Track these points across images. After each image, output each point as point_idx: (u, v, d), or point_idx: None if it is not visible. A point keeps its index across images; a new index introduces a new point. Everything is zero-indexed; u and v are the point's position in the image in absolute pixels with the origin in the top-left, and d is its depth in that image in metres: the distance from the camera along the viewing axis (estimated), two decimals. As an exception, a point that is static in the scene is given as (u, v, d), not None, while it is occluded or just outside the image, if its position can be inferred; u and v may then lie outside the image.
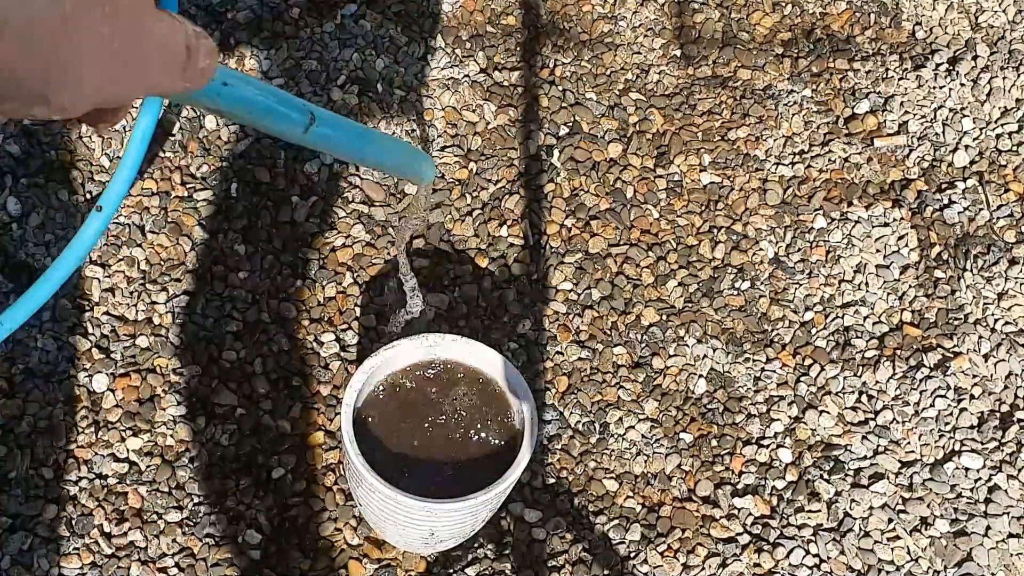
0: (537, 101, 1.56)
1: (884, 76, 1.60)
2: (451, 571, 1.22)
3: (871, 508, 1.29)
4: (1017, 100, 1.59)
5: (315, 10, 1.58)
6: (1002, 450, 1.33)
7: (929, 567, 1.26)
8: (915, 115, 1.57)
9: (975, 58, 1.62)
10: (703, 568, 1.24)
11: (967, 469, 1.32)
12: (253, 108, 0.54)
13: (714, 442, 1.32)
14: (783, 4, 1.67)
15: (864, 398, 1.36)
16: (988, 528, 1.28)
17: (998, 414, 1.36)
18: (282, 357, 1.33)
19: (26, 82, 0.31)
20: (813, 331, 1.40)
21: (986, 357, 1.39)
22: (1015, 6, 1.67)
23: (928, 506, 1.29)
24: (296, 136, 0.60)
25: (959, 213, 1.49)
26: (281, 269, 1.38)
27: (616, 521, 1.27)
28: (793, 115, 1.56)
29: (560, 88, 1.57)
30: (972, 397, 1.36)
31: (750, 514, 1.28)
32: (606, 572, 1.24)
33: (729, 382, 1.36)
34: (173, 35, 0.38)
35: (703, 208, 1.49)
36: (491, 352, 1.13)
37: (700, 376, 1.36)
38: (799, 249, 1.46)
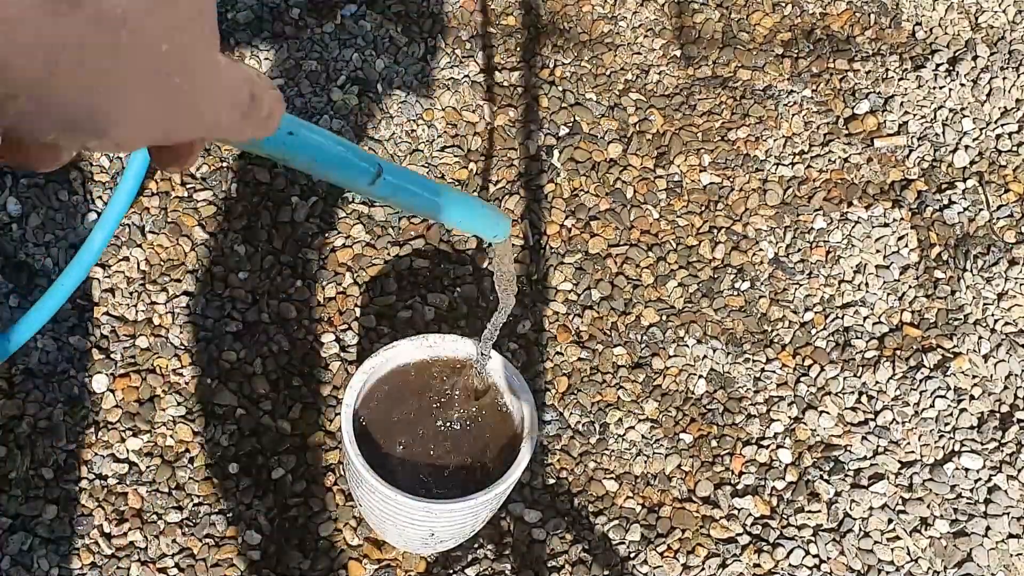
0: (537, 101, 1.56)
1: (884, 76, 1.60)
2: (451, 571, 1.22)
3: (871, 508, 1.29)
4: (1017, 100, 1.59)
5: (315, 10, 1.58)
6: (1002, 450, 1.33)
7: (929, 567, 1.26)
8: (915, 115, 1.57)
9: (975, 58, 1.62)
10: (703, 568, 1.25)
11: (967, 469, 1.32)
12: (320, 158, 0.53)
13: (714, 442, 1.32)
14: (783, 4, 1.67)
15: (864, 398, 1.36)
16: (988, 528, 1.28)
17: (998, 414, 1.36)
18: (282, 357, 1.33)
19: (80, 111, 0.30)
20: (813, 331, 1.40)
21: (986, 357, 1.39)
22: (1015, 6, 1.67)
23: (928, 506, 1.29)
24: (362, 187, 0.58)
25: (959, 213, 1.49)
26: (281, 269, 1.38)
27: (616, 521, 1.27)
28: (793, 115, 1.56)
29: (560, 88, 1.57)
30: (972, 397, 1.36)
31: (750, 514, 1.28)
32: (606, 572, 1.24)
33: (729, 382, 1.36)
34: (235, 77, 0.37)
35: (703, 208, 1.49)
36: (491, 352, 1.13)
37: (700, 376, 1.36)
38: (799, 249, 1.46)
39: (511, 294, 0.95)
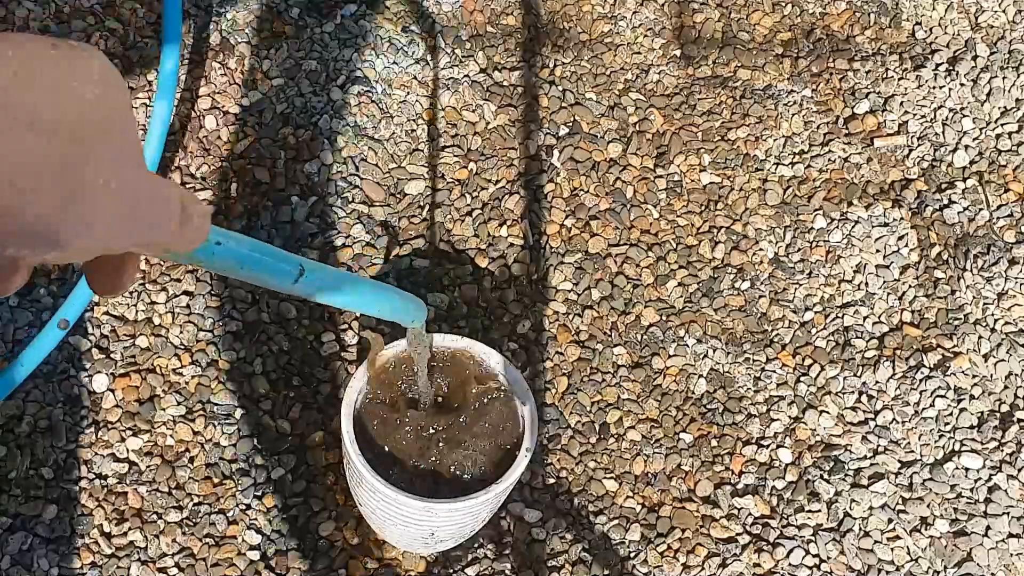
0: (537, 101, 1.56)
1: (884, 76, 1.60)
2: (451, 571, 1.22)
3: (871, 508, 1.29)
4: (1017, 100, 1.59)
5: (315, 10, 1.58)
6: (1002, 450, 1.33)
7: (929, 567, 1.26)
8: (915, 115, 1.57)
9: (975, 58, 1.62)
10: (703, 568, 1.25)
11: (967, 469, 1.32)
12: (245, 264, 0.58)
13: (714, 442, 1.32)
14: (783, 4, 1.67)
15: (864, 398, 1.36)
16: (988, 528, 1.28)
17: (998, 414, 1.36)
18: (282, 357, 1.33)
19: (43, 223, 0.33)
20: (813, 331, 1.40)
21: (986, 357, 1.39)
22: (1015, 6, 1.67)
23: (928, 506, 1.29)
24: (286, 287, 0.63)
25: (959, 213, 1.49)
26: (281, 269, 1.38)
27: (616, 521, 1.27)
28: (793, 115, 1.56)
29: (560, 88, 1.57)
30: (972, 397, 1.36)
31: (750, 514, 1.28)
32: (606, 572, 1.24)
33: (729, 382, 1.36)
34: (167, 188, 0.41)
35: (703, 208, 1.49)
36: (491, 352, 1.13)
37: (700, 376, 1.36)
38: (799, 249, 1.46)
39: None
